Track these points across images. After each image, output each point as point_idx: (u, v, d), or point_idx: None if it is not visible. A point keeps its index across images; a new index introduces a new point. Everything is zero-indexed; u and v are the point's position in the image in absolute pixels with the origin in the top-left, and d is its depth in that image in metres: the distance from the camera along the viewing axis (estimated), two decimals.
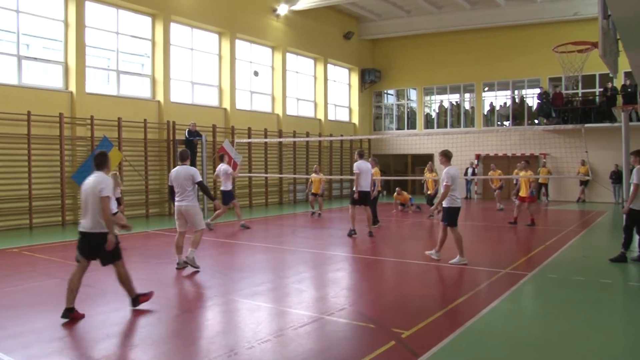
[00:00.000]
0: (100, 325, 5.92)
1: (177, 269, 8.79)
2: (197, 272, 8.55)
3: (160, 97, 18.00)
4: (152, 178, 17.66)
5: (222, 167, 13.95)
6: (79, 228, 6.34)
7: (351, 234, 12.43)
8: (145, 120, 17.22)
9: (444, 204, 9.21)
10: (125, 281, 6.45)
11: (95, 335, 5.62)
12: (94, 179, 6.23)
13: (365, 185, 12.33)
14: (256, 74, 19.41)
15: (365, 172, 12.38)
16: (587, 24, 21.13)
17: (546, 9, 23.71)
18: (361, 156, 12.62)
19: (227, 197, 13.75)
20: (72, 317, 5.98)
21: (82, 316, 6.06)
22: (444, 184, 8.98)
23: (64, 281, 7.95)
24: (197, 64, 19.90)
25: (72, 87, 15.51)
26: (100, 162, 6.37)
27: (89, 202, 6.16)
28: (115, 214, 10.68)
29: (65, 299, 6.08)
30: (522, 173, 14.83)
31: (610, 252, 10.00)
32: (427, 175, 16.88)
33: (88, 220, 6.17)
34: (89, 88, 15.97)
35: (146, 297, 6.61)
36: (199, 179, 8.65)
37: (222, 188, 13.91)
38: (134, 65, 18.62)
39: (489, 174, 20.40)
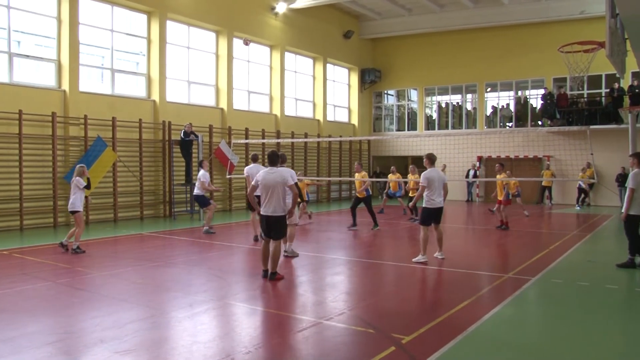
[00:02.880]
0: (93, 329, 5.91)
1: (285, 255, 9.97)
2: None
3: (155, 96, 17.99)
4: (147, 179, 17.65)
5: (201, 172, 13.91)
6: (262, 213, 8.28)
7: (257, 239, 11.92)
8: (140, 120, 17.21)
9: (423, 204, 9.93)
10: (275, 257, 8.21)
11: (88, 340, 5.61)
12: (274, 174, 8.14)
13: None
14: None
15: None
16: (593, 23, 21.19)
17: (551, 8, 23.75)
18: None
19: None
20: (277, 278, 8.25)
21: (282, 277, 8.30)
22: (420, 184, 9.86)
23: (56, 284, 7.98)
24: (193, 63, 19.90)
25: (65, 86, 15.50)
26: (273, 160, 8.34)
27: (273, 192, 8.11)
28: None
29: (262, 263, 8.44)
30: (498, 176, 15.01)
31: (616, 257, 10.01)
32: (410, 177, 16.77)
33: (270, 207, 8.15)
34: (83, 87, 15.96)
35: (281, 277, 8.31)
36: (295, 180, 9.47)
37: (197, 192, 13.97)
38: (129, 64, 18.63)
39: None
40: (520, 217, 17.81)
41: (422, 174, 9.85)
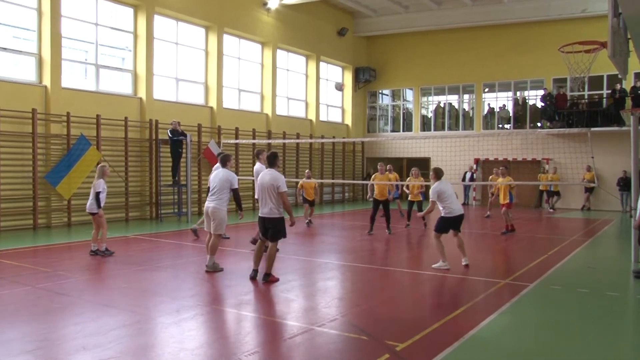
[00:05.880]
0: (75, 335, 5.87)
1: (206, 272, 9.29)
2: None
3: (142, 93, 17.93)
4: (133, 179, 17.58)
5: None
6: (259, 214, 8.52)
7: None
8: (126, 118, 17.15)
9: (441, 215, 9.90)
10: (270, 258, 8.44)
11: (70, 347, 5.57)
12: (270, 176, 8.34)
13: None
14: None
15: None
16: (595, 22, 21.33)
17: (552, 6, 23.87)
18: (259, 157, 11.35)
19: None
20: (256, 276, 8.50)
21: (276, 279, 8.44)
22: (430, 200, 9.90)
23: (34, 289, 7.92)
24: (182, 60, 19.85)
25: (47, 81, 15.41)
26: (272, 161, 8.54)
27: (265, 194, 8.29)
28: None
29: (254, 262, 8.66)
30: (500, 179, 15.09)
31: (617, 263, 10.08)
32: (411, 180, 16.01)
33: (265, 208, 8.34)
34: (65, 82, 15.87)
35: (276, 279, 8.42)
36: (236, 186, 9.40)
37: None
38: (115, 60, 18.55)
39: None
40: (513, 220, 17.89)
41: (432, 189, 9.86)
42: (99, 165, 11.02)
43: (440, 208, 9.86)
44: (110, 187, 16.60)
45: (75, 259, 10.44)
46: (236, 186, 9.40)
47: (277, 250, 8.80)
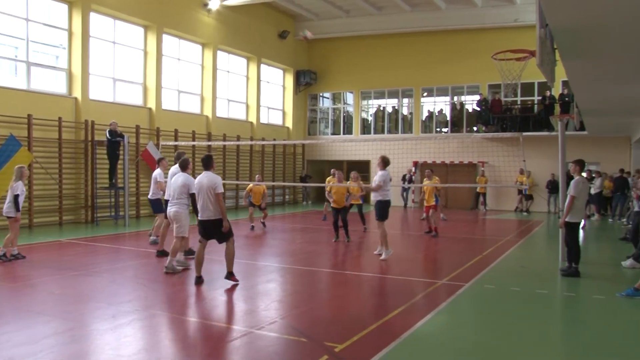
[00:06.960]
0: (2, 346, 5.63)
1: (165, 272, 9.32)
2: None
3: (77, 93, 17.37)
4: (67, 182, 16.99)
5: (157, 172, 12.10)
6: (198, 217, 8.47)
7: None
8: (60, 118, 16.56)
9: (379, 197, 11.16)
10: (229, 256, 8.46)
11: None
12: (207, 179, 8.35)
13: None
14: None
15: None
16: (527, 31, 22.07)
17: (487, 15, 24.72)
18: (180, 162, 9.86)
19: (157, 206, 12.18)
20: (201, 282, 8.45)
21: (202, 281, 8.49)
22: (377, 183, 11.07)
23: None
24: (119, 59, 19.35)
25: None
26: (207, 164, 8.57)
27: (204, 196, 8.34)
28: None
29: (195, 270, 8.56)
30: (426, 182, 15.41)
31: (547, 262, 10.52)
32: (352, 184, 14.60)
33: (205, 211, 8.35)
34: None
35: (236, 279, 8.47)
36: (192, 191, 9.20)
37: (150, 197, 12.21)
38: (48, 57, 17.89)
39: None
40: (449, 222, 18.40)
41: (380, 174, 11.06)
42: (17, 166, 10.65)
43: (379, 193, 11.13)
44: (43, 189, 16.15)
45: (4, 265, 10.00)
46: (193, 191, 9.17)
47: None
